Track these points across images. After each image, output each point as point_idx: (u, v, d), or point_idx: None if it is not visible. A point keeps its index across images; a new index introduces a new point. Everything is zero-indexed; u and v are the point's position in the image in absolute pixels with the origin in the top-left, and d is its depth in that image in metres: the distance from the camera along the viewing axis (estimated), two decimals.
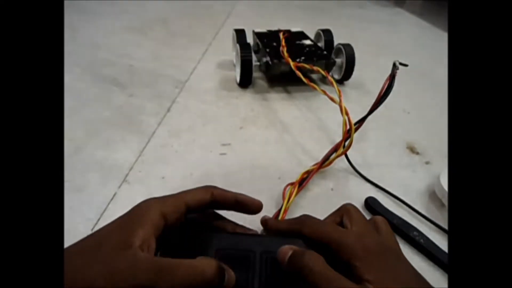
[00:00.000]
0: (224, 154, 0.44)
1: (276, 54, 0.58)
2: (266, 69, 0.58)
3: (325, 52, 0.61)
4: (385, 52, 0.81)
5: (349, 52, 0.59)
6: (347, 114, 0.37)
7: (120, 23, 0.85)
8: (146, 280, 0.17)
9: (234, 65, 0.66)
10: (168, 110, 0.52)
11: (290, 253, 0.22)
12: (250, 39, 0.67)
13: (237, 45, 0.58)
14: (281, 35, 0.63)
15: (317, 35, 0.71)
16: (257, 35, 0.67)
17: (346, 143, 0.38)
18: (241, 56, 0.55)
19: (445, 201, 0.36)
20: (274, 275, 0.23)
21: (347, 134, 0.37)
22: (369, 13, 1.14)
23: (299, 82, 0.50)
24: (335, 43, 0.65)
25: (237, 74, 0.60)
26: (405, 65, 0.33)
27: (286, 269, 0.22)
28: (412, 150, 0.47)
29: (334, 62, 0.59)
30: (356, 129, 0.38)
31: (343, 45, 0.60)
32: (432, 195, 0.39)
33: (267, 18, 1.00)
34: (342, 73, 0.61)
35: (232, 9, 1.05)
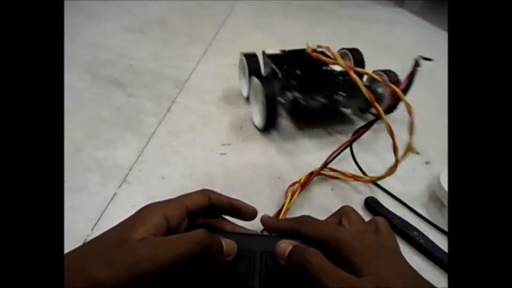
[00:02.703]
0: (224, 154, 0.44)
1: (307, 86, 0.46)
2: (293, 107, 0.45)
3: (367, 84, 0.49)
4: (385, 52, 0.81)
5: (394, 79, 0.47)
6: (396, 153, 0.34)
7: (120, 23, 0.85)
8: (142, 256, 0.18)
9: (246, 99, 0.54)
10: (168, 110, 0.52)
11: (289, 248, 0.22)
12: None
13: (256, 80, 0.45)
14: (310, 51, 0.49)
15: (343, 55, 0.57)
16: (271, 58, 0.52)
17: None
18: (266, 93, 0.42)
19: (445, 201, 0.36)
20: (274, 274, 0.23)
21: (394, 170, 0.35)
22: (369, 13, 1.14)
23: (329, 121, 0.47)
24: (367, 64, 0.54)
25: (254, 114, 0.48)
26: (430, 60, 0.29)
27: (285, 264, 0.22)
28: (412, 150, 0.47)
29: (381, 97, 0.46)
30: (366, 130, 0.37)
31: (383, 71, 0.49)
32: (432, 195, 0.39)
33: (267, 18, 1.00)
34: (385, 106, 0.41)
35: (232, 9, 1.05)
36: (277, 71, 0.49)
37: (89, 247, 0.20)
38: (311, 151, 0.45)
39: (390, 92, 0.32)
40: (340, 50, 0.58)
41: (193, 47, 0.75)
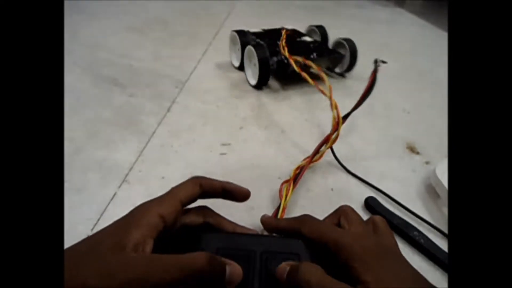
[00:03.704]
0: (224, 154, 0.44)
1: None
2: (281, 68, 0.58)
3: (330, 47, 0.65)
4: (385, 52, 0.81)
5: (351, 46, 0.63)
6: (336, 108, 0.39)
7: (120, 23, 0.85)
8: (137, 275, 0.18)
9: (236, 68, 0.66)
10: (168, 110, 0.52)
11: (287, 269, 0.22)
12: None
13: (250, 47, 0.57)
14: (283, 32, 0.62)
15: (311, 31, 0.73)
16: (254, 35, 0.67)
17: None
18: (258, 55, 0.55)
19: (440, 191, 0.37)
20: (274, 275, 0.23)
21: (336, 127, 0.39)
22: (369, 13, 1.14)
23: (300, 80, 0.51)
24: (330, 37, 0.69)
25: (248, 76, 0.61)
26: (385, 62, 0.37)
27: (287, 286, 0.21)
28: (412, 150, 0.47)
29: (343, 56, 0.63)
30: (342, 123, 0.40)
31: (344, 39, 0.63)
32: (432, 195, 0.39)
33: (267, 18, 1.00)
34: (346, 66, 0.65)
35: (232, 9, 1.05)
36: (262, 42, 0.62)
37: (84, 250, 0.19)
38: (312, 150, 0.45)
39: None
40: (308, 27, 0.73)
41: (193, 47, 0.75)
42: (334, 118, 0.39)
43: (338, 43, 0.65)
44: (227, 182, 0.27)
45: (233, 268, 0.21)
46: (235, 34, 0.64)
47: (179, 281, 0.18)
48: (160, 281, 0.18)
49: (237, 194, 0.27)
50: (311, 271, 0.20)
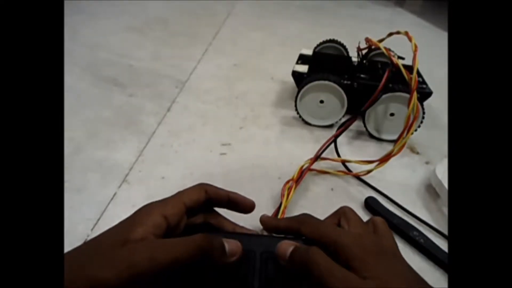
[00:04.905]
0: (224, 154, 0.44)
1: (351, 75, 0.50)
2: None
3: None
4: None
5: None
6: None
7: (120, 23, 0.85)
8: (142, 256, 0.18)
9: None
10: (168, 110, 0.52)
11: (291, 248, 0.22)
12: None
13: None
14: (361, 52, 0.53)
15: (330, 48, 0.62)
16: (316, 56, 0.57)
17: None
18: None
19: (439, 190, 0.37)
20: (274, 275, 0.23)
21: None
22: (369, 13, 1.14)
23: None
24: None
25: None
26: (402, 58, 0.38)
27: (287, 264, 0.22)
28: (412, 150, 0.47)
29: (430, 93, 0.49)
30: (350, 125, 0.40)
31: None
32: (432, 195, 0.39)
33: (267, 18, 1.00)
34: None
35: (232, 9, 1.05)
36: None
37: (88, 248, 0.20)
38: (312, 150, 0.45)
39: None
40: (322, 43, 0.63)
41: (193, 47, 0.75)
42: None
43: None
44: (233, 193, 0.27)
45: (231, 242, 0.22)
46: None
47: (182, 259, 0.19)
48: (164, 261, 0.18)
49: (242, 206, 0.27)
50: (321, 254, 0.21)
